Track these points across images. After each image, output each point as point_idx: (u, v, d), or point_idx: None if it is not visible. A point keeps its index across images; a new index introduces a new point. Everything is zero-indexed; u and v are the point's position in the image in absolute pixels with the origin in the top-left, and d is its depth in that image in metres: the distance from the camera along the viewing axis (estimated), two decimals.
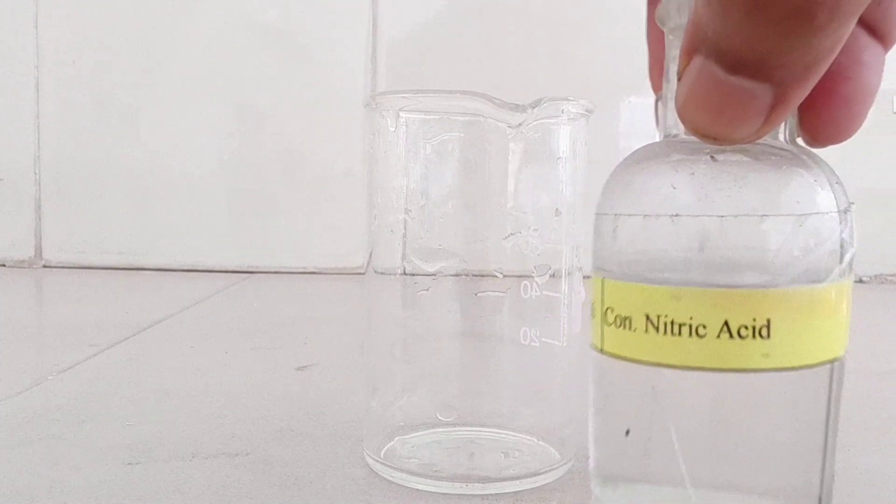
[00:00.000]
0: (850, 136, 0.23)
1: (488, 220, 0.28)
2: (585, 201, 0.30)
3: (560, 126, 0.28)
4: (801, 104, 0.20)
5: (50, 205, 0.90)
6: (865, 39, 0.22)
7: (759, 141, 0.21)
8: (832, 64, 0.19)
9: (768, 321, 0.21)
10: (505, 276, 0.28)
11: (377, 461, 0.29)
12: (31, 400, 0.38)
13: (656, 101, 0.25)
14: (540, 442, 0.30)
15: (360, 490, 0.28)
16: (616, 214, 0.23)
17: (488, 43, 0.86)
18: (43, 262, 0.90)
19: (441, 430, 0.30)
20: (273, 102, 0.88)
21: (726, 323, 0.21)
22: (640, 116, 0.84)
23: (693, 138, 0.22)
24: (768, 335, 0.21)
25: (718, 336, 0.21)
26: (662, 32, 0.24)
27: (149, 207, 0.89)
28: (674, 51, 0.23)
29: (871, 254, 0.86)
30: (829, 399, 0.22)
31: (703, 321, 0.21)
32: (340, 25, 0.87)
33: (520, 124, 0.27)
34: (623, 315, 0.22)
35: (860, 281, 0.85)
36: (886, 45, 0.22)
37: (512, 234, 0.28)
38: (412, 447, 0.30)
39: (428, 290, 0.29)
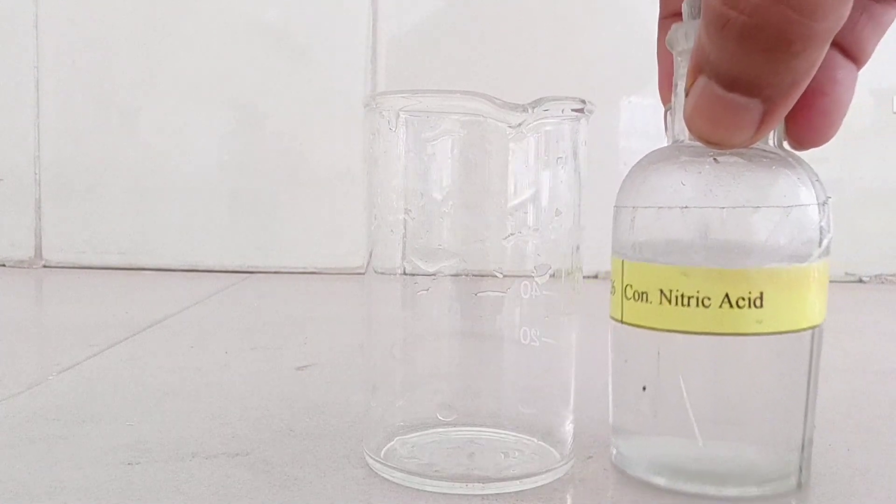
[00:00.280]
0: (827, 140, 0.27)
1: (488, 220, 0.28)
2: (585, 201, 0.30)
3: (560, 126, 0.28)
4: (786, 115, 0.24)
5: (50, 205, 0.90)
6: (840, 60, 0.27)
7: (753, 146, 0.26)
8: (812, 82, 0.23)
9: (762, 293, 0.26)
10: (505, 276, 0.28)
11: (377, 461, 0.29)
12: (31, 400, 0.38)
13: (665, 112, 0.30)
14: (540, 442, 0.30)
15: (360, 490, 0.28)
16: (634, 207, 0.28)
17: (488, 43, 0.86)
18: (43, 262, 0.90)
19: (441, 430, 0.30)
20: (273, 102, 0.88)
21: (727, 295, 0.26)
22: (640, 116, 0.84)
23: (697, 143, 0.26)
24: (762, 305, 0.26)
25: (720, 306, 0.26)
26: (671, 54, 0.28)
27: (149, 207, 0.89)
28: (682, 70, 0.28)
29: (871, 254, 0.86)
30: (811, 359, 0.28)
31: (708, 294, 0.26)
32: (340, 25, 0.87)
33: (520, 124, 0.27)
34: (640, 290, 0.27)
35: (860, 281, 0.85)
36: (858, 65, 0.27)
37: (512, 234, 0.28)
38: (412, 447, 0.30)
39: (428, 290, 0.29)
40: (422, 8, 0.87)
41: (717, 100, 0.23)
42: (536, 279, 0.28)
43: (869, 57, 0.27)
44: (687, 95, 0.24)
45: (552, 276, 0.29)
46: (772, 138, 0.28)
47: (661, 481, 0.28)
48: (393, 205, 0.29)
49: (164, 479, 0.28)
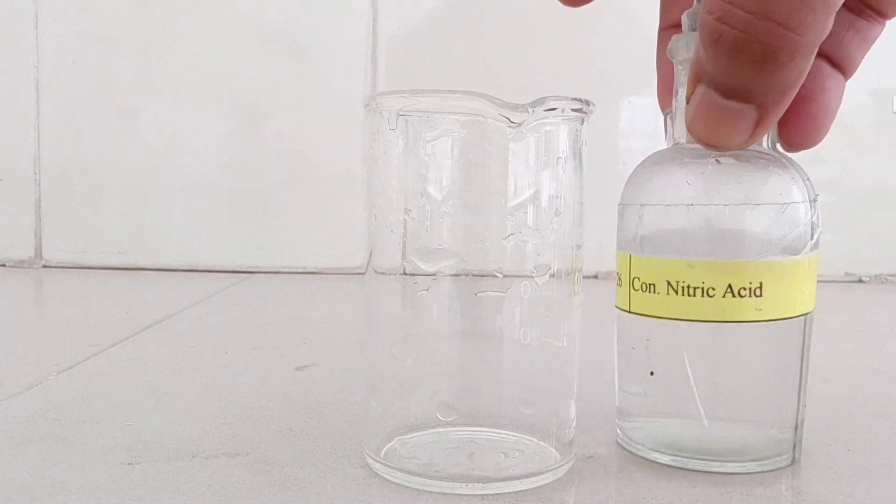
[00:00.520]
0: (815, 143, 0.29)
1: (488, 220, 0.28)
2: (586, 201, 0.30)
3: (560, 126, 0.28)
4: (779, 120, 0.26)
5: (50, 205, 0.90)
6: (828, 71, 0.28)
7: (750, 148, 0.28)
8: (801, 89, 0.25)
9: (761, 284, 0.28)
10: (505, 276, 0.28)
11: (377, 461, 0.29)
12: (31, 400, 0.38)
13: (665, 116, 0.32)
14: (540, 442, 0.30)
15: (360, 490, 0.28)
16: (641, 205, 0.30)
17: (488, 43, 0.86)
18: (43, 262, 0.90)
19: (441, 430, 0.30)
20: (273, 102, 0.88)
21: (730, 286, 0.28)
22: (640, 116, 0.84)
23: (696, 145, 0.28)
24: (761, 294, 0.28)
25: (724, 296, 0.28)
26: (670, 63, 0.30)
27: (149, 207, 0.89)
28: (682, 78, 0.30)
29: (871, 254, 0.86)
30: (804, 344, 0.30)
31: (712, 285, 0.28)
32: (340, 25, 0.87)
33: (520, 124, 0.27)
34: (648, 282, 0.29)
35: (860, 281, 0.85)
36: (846, 75, 0.29)
37: (512, 234, 0.28)
38: (412, 447, 0.30)
39: (428, 290, 0.29)
40: (422, 8, 0.87)
41: (715, 106, 0.25)
42: (536, 279, 0.28)
43: (856, 68, 0.29)
44: (688, 103, 0.26)
45: (552, 276, 0.29)
46: (766, 141, 0.30)
47: (665, 459, 0.30)
48: (393, 205, 0.29)
49: (164, 479, 0.28)
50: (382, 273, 0.29)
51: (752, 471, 0.29)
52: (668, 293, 0.29)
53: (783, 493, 0.28)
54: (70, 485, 0.28)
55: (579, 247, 0.30)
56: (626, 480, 0.29)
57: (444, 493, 0.27)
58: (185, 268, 0.89)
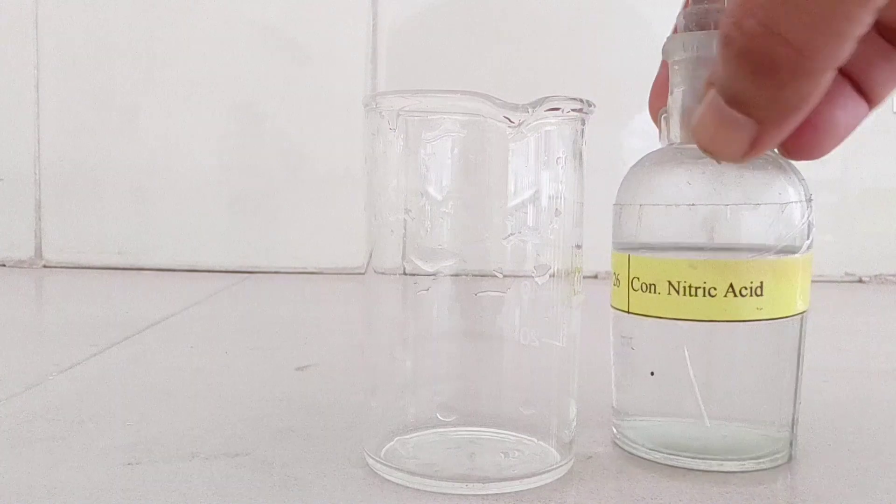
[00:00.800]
0: (813, 157, 0.27)
1: (488, 220, 0.28)
2: (586, 201, 0.30)
3: (560, 126, 0.28)
4: None
5: (50, 205, 0.90)
6: (850, 92, 0.27)
7: None
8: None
9: (762, 283, 0.28)
10: (505, 276, 0.28)
11: (377, 461, 0.29)
12: (31, 400, 0.38)
13: (660, 116, 0.32)
14: (540, 442, 0.30)
15: (360, 490, 0.28)
16: (641, 205, 0.30)
17: (489, 42, 0.86)
18: (43, 262, 0.90)
19: (441, 430, 0.30)
20: (273, 102, 0.88)
21: (731, 285, 0.28)
22: (640, 116, 0.84)
23: (691, 146, 0.28)
24: (762, 293, 0.28)
25: (725, 295, 0.28)
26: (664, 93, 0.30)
27: (149, 207, 0.89)
28: (677, 78, 0.30)
29: (871, 254, 0.86)
30: (800, 343, 0.30)
31: (714, 284, 0.28)
32: (340, 25, 0.87)
33: (520, 124, 0.27)
34: (648, 282, 0.29)
35: (860, 281, 0.85)
36: (870, 104, 0.27)
37: (512, 234, 0.28)
38: (412, 447, 0.30)
39: (428, 290, 0.29)
40: (422, 8, 0.87)
41: (719, 112, 0.24)
42: (536, 279, 0.28)
43: (882, 100, 0.27)
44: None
45: (552, 276, 0.29)
46: None
47: (664, 458, 0.30)
48: (393, 205, 0.29)
49: (164, 479, 0.28)
50: (382, 273, 0.29)
51: (750, 469, 0.29)
52: (669, 293, 0.29)
53: (783, 492, 0.28)
54: (70, 485, 0.28)
55: (579, 247, 0.30)
56: (626, 480, 0.29)
57: (444, 493, 0.27)
58: (185, 268, 0.89)
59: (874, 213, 0.86)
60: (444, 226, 0.28)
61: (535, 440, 0.30)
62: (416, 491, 0.27)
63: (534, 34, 0.85)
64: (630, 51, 0.82)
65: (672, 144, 0.31)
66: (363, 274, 0.30)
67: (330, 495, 0.27)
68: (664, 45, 0.30)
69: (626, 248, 0.31)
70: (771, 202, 0.28)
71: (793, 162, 0.30)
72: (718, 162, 0.26)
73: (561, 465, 0.29)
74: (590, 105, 0.29)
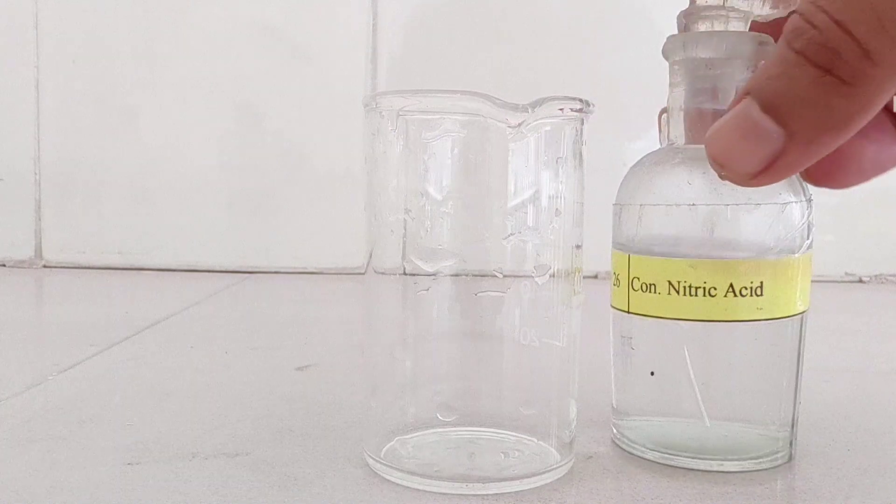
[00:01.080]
0: (829, 186, 0.27)
1: (488, 220, 0.28)
2: (585, 201, 0.30)
3: (560, 126, 0.28)
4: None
5: (50, 205, 0.90)
6: (891, 129, 0.25)
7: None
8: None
9: (762, 283, 0.28)
10: (505, 276, 0.28)
11: (377, 461, 0.29)
12: (31, 400, 0.38)
13: (660, 115, 0.31)
14: (540, 442, 0.30)
15: (360, 490, 0.28)
16: (641, 205, 0.30)
17: (489, 42, 0.86)
18: (43, 262, 0.90)
19: (441, 430, 0.30)
20: (273, 102, 0.88)
21: (731, 285, 0.28)
22: (640, 116, 0.84)
23: (692, 146, 0.29)
24: (762, 293, 0.28)
25: (725, 295, 0.28)
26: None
27: (149, 207, 0.89)
28: (676, 78, 0.30)
29: (871, 254, 0.86)
30: (800, 343, 0.30)
31: (714, 284, 0.28)
32: (340, 25, 0.87)
33: (520, 124, 0.27)
34: (648, 282, 0.29)
35: (860, 281, 0.85)
36: None
37: (512, 234, 0.28)
38: (412, 447, 0.30)
39: (428, 290, 0.29)
40: (422, 8, 0.87)
41: (745, 120, 0.22)
42: (536, 279, 0.28)
43: None
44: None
45: (552, 276, 0.29)
46: None
47: (664, 459, 0.30)
48: (393, 205, 0.29)
49: (164, 479, 0.28)
50: (382, 273, 0.29)
51: (750, 469, 0.29)
52: (669, 293, 0.29)
53: (783, 492, 0.28)
54: (70, 485, 0.28)
55: (579, 247, 0.30)
56: (626, 480, 0.29)
57: (444, 493, 0.27)
58: (185, 268, 0.89)
59: (874, 213, 0.86)
60: (444, 226, 0.28)
61: (535, 440, 0.30)
62: (415, 491, 0.27)
63: (534, 34, 0.85)
64: (631, 51, 0.82)
65: (672, 144, 0.31)
66: (363, 274, 0.30)
67: (330, 495, 0.27)
68: (664, 46, 0.30)
69: (626, 248, 0.31)
70: (771, 202, 0.28)
71: None
72: (722, 177, 0.24)
73: (561, 465, 0.29)
74: (590, 105, 0.29)
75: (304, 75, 0.87)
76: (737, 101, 0.23)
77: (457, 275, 0.28)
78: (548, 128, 0.28)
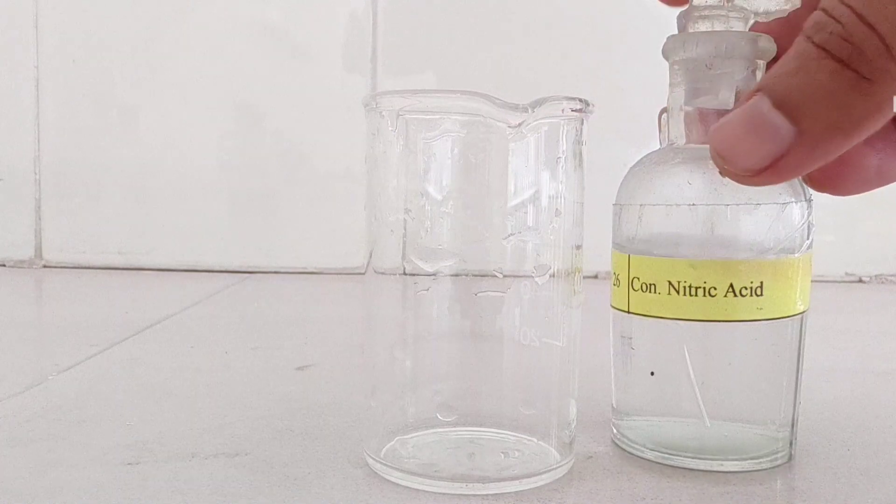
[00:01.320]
0: (830, 191, 0.27)
1: (488, 220, 0.28)
2: (585, 201, 0.30)
3: (560, 126, 0.28)
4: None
5: (50, 205, 0.90)
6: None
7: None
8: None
9: (762, 283, 0.28)
10: (505, 276, 0.28)
11: (377, 461, 0.29)
12: (31, 400, 0.38)
13: (660, 115, 0.31)
14: (540, 442, 0.30)
15: (360, 490, 0.28)
16: (641, 205, 0.30)
17: (489, 42, 0.86)
18: (43, 262, 0.90)
19: (441, 430, 0.30)
20: (273, 102, 0.88)
21: (731, 285, 0.28)
22: (640, 116, 0.84)
23: (692, 146, 0.29)
24: (762, 293, 0.28)
25: (725, 295, 0.28)
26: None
27: (149, 207, 0.89)
28: (676, 78, 0.30)
29: (871, 254, 0.86)
30: (800, 343, 0.30)
31: (714, 284, 0.28)
32: (340, 25, 0.87)
33: (520, 124, 0.27)
34: (648, 282, 0.29)
35: (860, 281, 0.85)
36: None
37: (512, 234, 0.28)
38: (412, 447, 0.30)
39: (428, 290, 0.29)
40: (423, 7, 0.87)
41: (754, 114, 0.22)
42: (536, 279, 0.28)
43: None
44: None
45: (552, 276, 0.29)
46: None
47: (664, 458, 0.30)
48: (393, 205, 0.29)
49: (164, 479, 0.28)
50: (382, 273, 0.29)
51: (750, 469, 0.29)
52: (669, 293, 0.29)
53: (783, 492, 0.28)
54: (70, 485, 0.28)
55: (579, 247, 0.30)
56: (626, 480, 0.29)
57: (444, 493, 0.27)
58: (185, 268, 0.89)
59: (874, 213, 0.86)
60: (444, 226, 0.28)
61: (535, 440, 0.30)
62: (415, 491, 0.27)
63: (534, 34, 0.85)
64: (631, 51, 0.82)
65: (672, 144, 0.31)
66: (363, 274, 0.30)
67: (330, 495, 0.27)
68: (664, 45, 0.30)
69: (625, 248, 0.31)
70: (771, 202, 0.28)
71: None
72: (722, 173, 0.24)
73: (561, 465, 0.29)
74: (589, 105, 0.29)
75: (304, 75, 0.87)
76: (748, 97, 0.22)
77: (457, 275, 0.28)
78: (547, 128, 0.28)
